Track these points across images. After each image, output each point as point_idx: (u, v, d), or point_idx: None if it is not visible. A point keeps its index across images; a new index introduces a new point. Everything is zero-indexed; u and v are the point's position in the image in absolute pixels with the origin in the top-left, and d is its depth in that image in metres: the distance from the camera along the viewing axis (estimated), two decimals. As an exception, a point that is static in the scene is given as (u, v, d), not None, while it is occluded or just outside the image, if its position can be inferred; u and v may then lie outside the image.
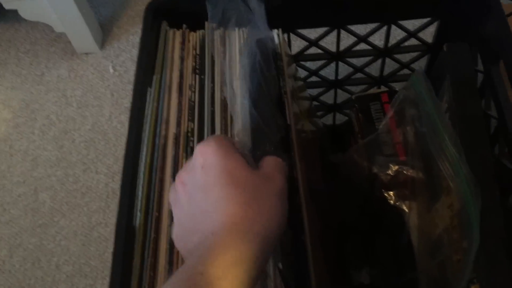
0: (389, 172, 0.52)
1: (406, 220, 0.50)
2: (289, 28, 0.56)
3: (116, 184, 0.82)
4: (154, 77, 0.48)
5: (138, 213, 0.41)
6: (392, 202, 0.51)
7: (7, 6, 0.91)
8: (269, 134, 0.39)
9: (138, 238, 0.40)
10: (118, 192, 0.80)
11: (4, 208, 0.82)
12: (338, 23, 0.55)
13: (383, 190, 0.51)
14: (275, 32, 0.52)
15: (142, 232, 0.40)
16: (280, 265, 0.35)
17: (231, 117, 0.43)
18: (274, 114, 0.42)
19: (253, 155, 0.36)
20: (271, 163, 0.34)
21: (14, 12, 0.92)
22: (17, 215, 0.81)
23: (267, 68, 0.44)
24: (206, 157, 0.31)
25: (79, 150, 0.87)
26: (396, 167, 0.51)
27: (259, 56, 0.43)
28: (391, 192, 0.51)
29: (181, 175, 0.34)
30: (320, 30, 0.57)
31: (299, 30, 0.56)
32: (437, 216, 0.48)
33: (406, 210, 0.50)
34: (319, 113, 0.72)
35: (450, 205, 0.46)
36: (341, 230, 0.58)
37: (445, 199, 0.47)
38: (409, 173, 0.50)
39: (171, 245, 0.39)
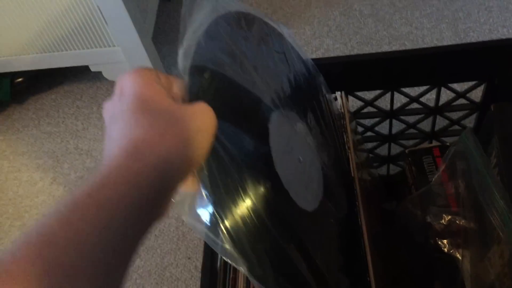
0: (442, 221, 0.55)
1: (460, 267, 0.53)
2: (348, 90, 0.62)
3: (185, 228, 0.89)
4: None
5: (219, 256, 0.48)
6: (446, 250, 0.55)
7: (93, 68, 1.04)
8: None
9: (219, 277, 0.47)
10: (187, 235, 0.88)
11: (87, 248, 0.92)
12: (391, 86, 0.62)
13: (437, 239, 0.55)
14: (338, 94, 0.60)
15: (222, 272, 0.47)
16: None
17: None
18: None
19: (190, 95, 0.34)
20: (199, 105, 0.32)
21: (98, 73, 1.04)
22: (98, 255, 0.90)
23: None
24: (124, 86, 0.30)
25: (152, 196, 0.95)
26: (449, 217, 0.55)
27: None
28: (445, 241, 0.55)
29: (104, 105, 0.32)
30: (376, 91, 0.63)
31: (357, 92, 0.63)
32: (490, 264, 0.51)
33: (460, 258, 0.53)
34: (374, 164, 0.77)
35: (502, 254, 0.49)
36: (398, 275, 0.62)
37: (496, 248, 0.50)
38: (461, 223, 0.54)
39: (247, 283, 0.46)
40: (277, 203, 0.37)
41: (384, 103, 0.65)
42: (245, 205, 0.34)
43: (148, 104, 0.29)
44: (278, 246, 0.36)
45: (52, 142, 1.09)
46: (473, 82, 0.61)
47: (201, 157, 0.31)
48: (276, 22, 0.49)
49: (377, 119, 0.67)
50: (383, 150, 0.74)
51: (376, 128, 0.69)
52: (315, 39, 1.11)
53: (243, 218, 0.34)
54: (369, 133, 0.70)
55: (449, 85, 0.61)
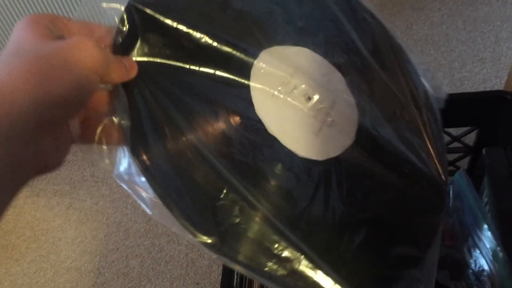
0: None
1: (454, 297, 0.58)
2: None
3: (195, 254, 0.94)
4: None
5: (235, 276, 0.53)
6: (442, 282, 0.60)
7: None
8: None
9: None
10: (196, 262, 0.92)
11: (100, 272, 0.96)
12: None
13: (433, 269, 0.60)
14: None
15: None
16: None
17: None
18: None
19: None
20: (74, 38, 0.29)
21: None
22: (110, 278, 0.94)
23: None
24: (11, 33, 0.29)
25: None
26: (445, 250, 0.60)
27: None
28: (441, 272, 0.60)
29: None
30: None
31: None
32: (481, 294, 0.56)
33: (454, 288, 0.58)
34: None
35: (493, 284, 0.54)
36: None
37: (487, 279, 0.55)
38: (455, 256, 0.59)
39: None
40: (253, 149, 0.33)
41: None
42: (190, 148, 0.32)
43: (19, 46, 0.28)
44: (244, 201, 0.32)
45: (69, 170, 1.14)
46: (467, 128, 0.67)
47: (74, 95, 0.27)
48: None
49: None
50: (384, 187, 0.79)
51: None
52: (321, 81, 1.18)
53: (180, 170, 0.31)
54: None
55: (445, 129, 0.67)
